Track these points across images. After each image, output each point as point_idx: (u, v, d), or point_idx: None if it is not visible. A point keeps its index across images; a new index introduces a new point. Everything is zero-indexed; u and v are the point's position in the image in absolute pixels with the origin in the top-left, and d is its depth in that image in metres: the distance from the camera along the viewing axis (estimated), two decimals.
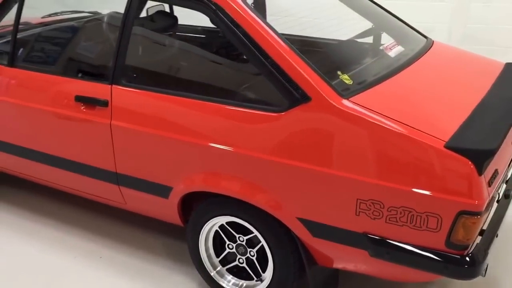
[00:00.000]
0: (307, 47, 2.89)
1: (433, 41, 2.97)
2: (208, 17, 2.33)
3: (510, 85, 2.55)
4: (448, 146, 1.92)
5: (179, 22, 3.03)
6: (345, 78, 2.23)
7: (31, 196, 3.53)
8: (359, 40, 2.99)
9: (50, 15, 3.51)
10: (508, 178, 2.51)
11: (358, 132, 2.03)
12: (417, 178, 1.96)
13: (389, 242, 2.07)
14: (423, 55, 2.71)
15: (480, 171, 1.90)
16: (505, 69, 2.77)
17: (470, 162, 1.89)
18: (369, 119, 2.02)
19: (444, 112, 2.19)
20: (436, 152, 1.93)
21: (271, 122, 2.18)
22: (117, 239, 3.06)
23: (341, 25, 3.12)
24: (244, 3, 2.29)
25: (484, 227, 2.16)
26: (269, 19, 3.20)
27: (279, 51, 2.17)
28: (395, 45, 2.65)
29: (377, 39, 2.99)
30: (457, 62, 2.82)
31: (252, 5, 3.05)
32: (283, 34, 2.57)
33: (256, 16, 2.26)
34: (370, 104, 2.09)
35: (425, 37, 3.02)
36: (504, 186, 2.48)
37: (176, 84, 2.60)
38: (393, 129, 1.99)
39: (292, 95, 2.14)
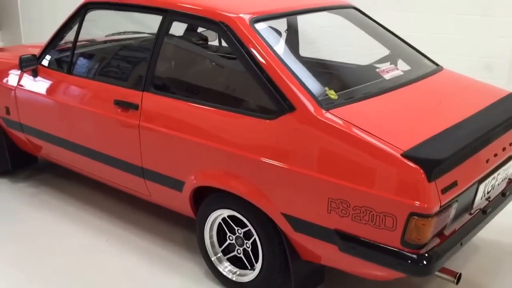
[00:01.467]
0: (322, 68, 3.25)
1: (442, 68, 3.22)
2: (219, 35, 2.73)
3: (498, 111, 2.75)
4: (404, 155, 2.19)
5: None
6: (331, 93, 2.54)
7: (73, 185, 4.09)
8: (377, 65, 3.29)
9: (113, 34, 4.06)
10: (490, 195, 2.70)
11: (331, 139, 2.34)
12: (376, 181, 2.23)
13: (354, 238, 2.34)
14: (422, 79, 2.98)
15: (429, 178, 2.14)
16: (504, 97, 2.96)
17: (421, 170, 2.15)
18: (341, 128, 2.33)
19: (415, 128, 2.44)
20: (393, 159, 2.20)
21: (264, 128, 2.54)
22: (144, 228, 3.50)
23: (364, 51, 3.45)
24: (251, 25, 2.68)
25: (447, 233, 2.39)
26: (301, 45, 3.62)
27: (274, 67, 2.53)
28: (393, 69, 2.93)
29: (393, 64, 3.27)
30: (456, 88, 3.04)
31: (286, 32, 3.48)
32: (304, 57, 2.96)
33: (259, 36, 2.64)
34: (346, 116, 2.39)
35: (436, 64, 3.27)
36: (486, 202, 2.68)
37: (192, 93, 3.01)
38: (360, 137, 2.28)
39: (281, 105, 2.48)
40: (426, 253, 2.25)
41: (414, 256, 2.23)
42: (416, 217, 2.16)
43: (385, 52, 3.35)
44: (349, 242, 2.36)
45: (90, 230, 3.49)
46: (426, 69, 3.14)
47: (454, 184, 2.28)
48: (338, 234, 2.38)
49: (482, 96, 2.94)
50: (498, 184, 2.73)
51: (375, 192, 2.23)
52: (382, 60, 3.28)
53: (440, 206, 2.20)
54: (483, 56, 6.19)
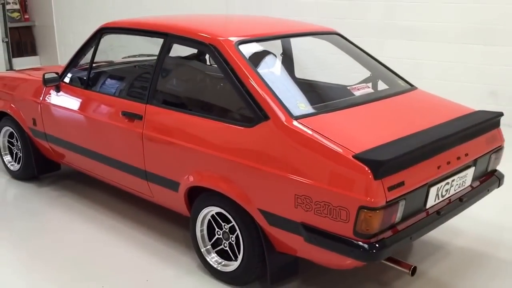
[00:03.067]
0: (303, 86, 3.64)
1: (415, 88, 3.57)
2: (209, 55, 3.17)
3: (456, 125, 3.07)
4: (355, 156, 2.56)
5: None
6: (301, 106, 2.95)
7: (91, 189, 4.57)
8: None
9: (129, 57, 4.57)
10: (451, 197, 3.03)
11: (297, 143, 2.73)
12: (333, 179, 2.60)
13: (316, 229, 2.70)
14: (391, 97, 3.35)
15: (375, 176, 2.50)
16: (468, 114, 3.29)
17: (368, 169, 2.51)
18: (306, 135, 2.72)
19: (372, 136, 2.81)
20: (346, 160, 2.57)
21: (244, 134, 2.94)
22: (150, 227, 3.93)
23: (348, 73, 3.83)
24: (235, 47, 3.11)
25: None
26: (296, 68, 4.03)
27: (252, 82, 2.95)
28: (364, 87, 3.31)
29: (374, 85, 3.64)
30: (422, 104, 3.40)
31: (282, 55, 3.91)
32: (296, 77, 3.34)
33: (242, 56, 3.06)
34: (312, 125, 2.79)
35: (411, 85, 3.63)
36: (443, 204, 3.01)
37: (187, 105, 3.45)
38: (320, 142, 2.66)
39: (258, 114, 2.89)
40: (375, 242, 2.59)
41: (365, 245, 2.57)
42: (365, 210, 2.50)
43: (366, 73, 3.73)
44: (312, 233, 2.71)
45: (101, 228, 3.92)
46: (399, 88, 3.51)
47: (400, 184, 2.62)
48: (303, 226, 2.73)
49: (446, 112, 3.27)
50: (455, 190, 3.06)
51: (331, 189, 2.59)
52: (364, 81, 3.64)
53: (386, 202, 2.54)
54: (488, 83, 6.43)
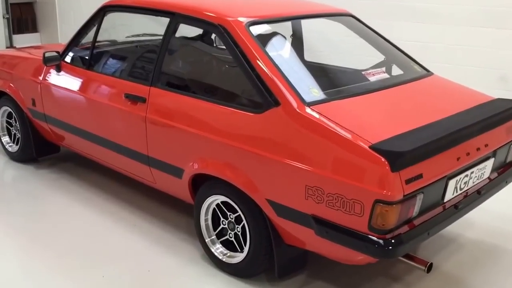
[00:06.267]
0: (315, 70, 3.50)
1: (431, 74, 3.42)
2: (218, 36, 3.01)
3: (476, 114, 2.93)
4: (372, 147, 2.41)
5: None
6: (314, 91, 2.79)
7: (90, 173, 4.43)
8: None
9: (133, 36, 4.40)
10: (467, 191, 2.89)
11: (310, 131, 2.58)
12: (347, 170, 2.46)
13: (327, 222, 2.56)
14: (409, 82, 3.19)
15: (393, 169, 2.35)
16: (487, 102, 3.14)
17: (385, 161, 2.37)
18: (319, 122, 2.57)
19: (389, 124, 2.66)
20: (362, 151, 2.43)
21: (253, 121, 2.79)
22: (152, 214, 3.80)
23: (361, 57, 3.67)
24: (246, 28, 2.95)
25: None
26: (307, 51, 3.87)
27: (263, 66, 2.79)
28: (380, 72, 3.15)
29: (388, 69, 3.48)
30: (440, 91, 3.25)
31: (291, 37, 3.75)
32: (308, 61, 3.19)
33: (253, 38, 2.90)
34: (325, 112, 2.63)
35: (427, 70, 3.47)
36: (461, 198, 2.87)
37: (193, 88, 3.29)
38: (334, 131, 2.52)
39: (268, 99, 2.74)
40: (391, 238, 2.45)
41: (380, 240, 2.43)
42: (381, 204, 2.37)
43: (380, 58, 3.57)
44: (323, 226, 2.58)
45: (100, 213, 3.80)
46: (415, 74, 3.36)
47: (419, 177, 2.48)
48: (314, 219, 2.60)
49: (464, 100, 3.13)
50: (474, 182, 2.92)
51: (345, 180, 2.45)
52: (377, 66, 3.49)
53: (404, 195, 2.40)
54: (497, 68, 6.28)
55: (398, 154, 2.37)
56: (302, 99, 2.69)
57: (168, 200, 3.84)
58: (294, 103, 2.67)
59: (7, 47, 8.20)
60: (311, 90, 2.80)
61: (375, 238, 2.44)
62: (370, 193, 2.39)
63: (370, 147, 2.42)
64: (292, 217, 2.71)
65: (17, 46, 8.20)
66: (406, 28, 6.39)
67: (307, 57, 3.76)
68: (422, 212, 2.61)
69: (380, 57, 3.58)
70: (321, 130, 2.55)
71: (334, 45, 4.00)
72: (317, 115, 2.61)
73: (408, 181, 2.43)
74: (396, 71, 3.48)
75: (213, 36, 3.91)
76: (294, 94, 2.71)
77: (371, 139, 2.46)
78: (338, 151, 2.49)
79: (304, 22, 3.57)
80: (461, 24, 6.09)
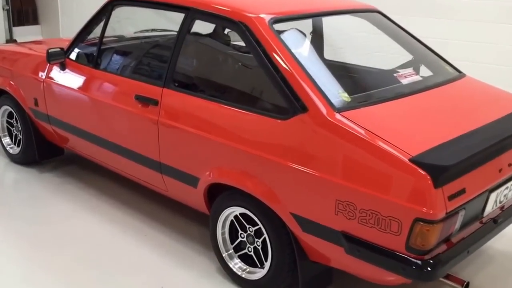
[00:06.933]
0: (341, 71, 3.27)
1: (464, 76, 3.19)
2: (238, 34, 2.78)
3: None
4: (412, 160, 2.19)
5: None
6: (344, 96, 2.56)
7: (97, 177, 4.19)
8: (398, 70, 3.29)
9: (142, 31, 4.15)
10: (503, 204, 2.68)
11: (340, 141, 2.36)
12: (383, 185, 2.24)
13: (360, 241, 2.35)
14: (442, 86, 2.96)
15: (436, 184, 2.14)
16: None
17: (427, 175, 2.14)
18: (351, 131, 2.34)
19: (427, 134, 2.43)
20: (400, 164, 2.20)
21: (277, 128, 2.56)
22: (161, 222, 3.57)
23: (387, 56, 3.44)
24: (269, 26, 2.71)
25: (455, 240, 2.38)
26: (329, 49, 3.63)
27: (288, 68, 2.56)
28: (412, 74, 2.92)
29: (416, 70, 3.25)
30: (475, 96, 3.02)
31: (311, 34, 3.51)
32: (326, 60, 2.96)
33: (277, 37, 2.67)
34: (358, 119, 2.40)
35: (459, 71, 3.24)
36: (498, 212, 2.66)
37: (210, 90, 3.05)
38: (369, 141, 2.29)
39: (294, 105, 2.51)
40: (430, 259, 2.24)
41: (418, 261, 2.22)
42: (421, 223, 2.16)
43: (408, 57, 3.34)
44: (354, 244, 2.37)
45: (108, 221, 3.57)
46: (447, 76, 3.13)
47: (462, 192, 2.27)
48: (344, 236, 2.39)
49: (501, 105, 2.90)
50: None
51: (381, 196, 2.23)
52: (404, 65, 3.26)
53: (446, 213, 2.19)
54: None
55: (442, 168, 2.16)
56: (331, 105, 2.46)
57: (180, 208, 3.60)
58: (323, 109, 2.44)
59: (7, 40, 7.95)
60: (340, 94, 2.57)
61: (413, 259, 2.23)
62: (409, 211, 2.17)
63: (410, 159, 2.19)
64: (320, 233, 2.49)
65: (17, 39, 7.98)
66: (423, 24, 6.16)
67: (328, 56, 3.53)
68: (460, 228, 2.39)
69: (407, 56, 3.36)
70: (353, 140, 2.33)
71: (357, 43, 3.78)
72: (348, 123, 2.38)
73: (451, 197, 2.21)
74: (424, 71, 3.26)
75: (226, 31, 3.69)
76: (323, 99, 2.48)
77: (410, 150, 2.24)
78: (373, 164, 2.27)
79: (325, 19, 3.33)
80: (482, 19, 5.87)
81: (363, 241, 2.34)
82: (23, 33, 8.22)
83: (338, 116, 2.42)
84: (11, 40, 8.04)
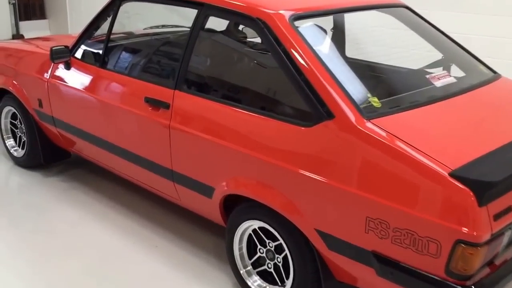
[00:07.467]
0: (367, 71, 3.03)
1: (500, 76, 2.94)
2: (256, 32, 2.55)
3: None
4: (453, 174, 1.96)
5: None
6: (374, 101, 2.32)
7: (105, 182, 3.96)
8: (427, 69, 3.04)
9: (151, 27, 3.92)
10: None
11: (372, 152, 2.13)
12: (420, 202, 2.01)
13: (394, 262, 2.13)
14: (478, 88, 2.72)
15: (480, 202, 1.91)
16: None
17: (471, 192, 1.92)
18: (384, 141, 2.11)
19: (466, 144, 2.20)
20: (440, 179, 1.97)
21: (299, 135, 2.33)
22: (173, 232, 3.34)
23: (415, 54, 3.20)
24: (290, 23, 2.48)
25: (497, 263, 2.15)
26: (347, 45, 3.39)
27: (312, 69, 2.32)
28: (446, 76, 2.67)
29: (446, 69, 3.02)
30: None
31: (332, 30, 3.27)
32: (350, 58, 2.72)
33: (299, 35, 2.43)
34: (390, 127, 2.17)
35: (494, 71, 2.99)
36: None
37: (226, 93, 2.83)
38: (404, 152, 2.05)
39: (319, 111, 2.28)
40: (473, 284, 2.01)
41: (459, 287, 2.00)
42: (463, 245, 1.93)
43: (437, 56, 3.10)
44: (387, 266, 2.15)
45: (117, 230, 3.35)
46: (482, 77, 2.87)
47: (508, 210, 2.04)
48: (375, 257, 2.17)
49: None
50: None
51: (418, 214, 2.00)
52: (434, 65, 3.03)
53: (492, 235, 1.96)
54: None
55: (488, 185, 1.92)
56: (360, 111, 2.22)
57: (193, 216, 3.35)
58: (352, 116, 2.21)
59: (13, 35, 7.75)
60: (370, 99, 2.33)
61: (453, 284, 2.00)
62: (450, 232, 1.94)
63: (450, 174, 1.96)
64: (348, 252, 2.26)
65: (24, 34, 7.78)
66: (445, 19, 5.88)
67: (351, 54, 3.28)
68: (504, 249, 2.16)
69: (437, 55, 3.12)
70: (387, 151, 2.09)
71: (382, 41, 3.53)
72: (381, 132, 2.14)
73: (496, 217, 1.98)
74: (455, 71, 3.02)
75: (240, 27, 3.45)
76: (350, 104, 2.24)
77: (450, 163, 2.00)
78: (409, 178, 2.03)
79: (352, 16, 3.09)
80: (507, 14, 5.62)
81: (397, 263, 2.11)
82: (30, 27, 8.00)
83: (368, 124, 2.18)
84: (17, 35, 7.84)
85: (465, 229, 1.91)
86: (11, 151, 4.20)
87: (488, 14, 5.83)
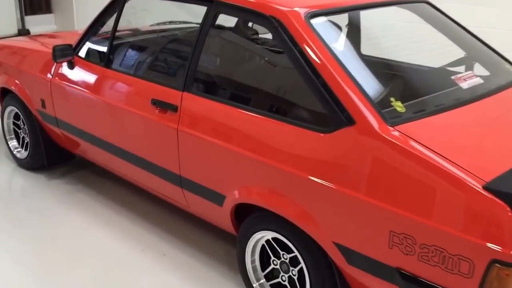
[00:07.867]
0: (387, 71, 2.86)
1: None
2: (270, 31, 2.38)
3: None
4: (487, 187, 1.79)
5: None
6: (398, 105, 2.15)
7: (111, 184, 3.82)
8: (450, 68, 2.87)
9: (158, 24, 3.75)
10: None
11: (397, 161, 1.96)
12: (450, 217, 1.85)
13: (421, 281, 1.97)
14: (506, 89, 2.54)
15: None
16: None
17: (508, 207, 1.75)
18: (411, 150, 1.94)
19: (498, 152, 2.04)
20: (473, 192, 1.81)
21: (317, 142, 2.17)
22: (182, 239, 3.19)
23: (436, 52, 3.03)
24: (306, 21, 2.31)
25: None
26: (364, 43, 3.22)
27: (331, 71, 2.16)
28: (472, 76, 2.50)
29: (469, 68, 2.85)
30: None
31: (347, 27, 3.09)
32: (367, 56, 2.58)
33: (316, 34, 2.27)
34: (416, 135, 2.01)
35: None
36: None
37: (237, 96, 2.67)
38: (434, 163, 1.89)
39: (338, 116, 2.12)
40: None
41: None
42: (498, 265, 1.76)
43: (460, 53, 2.92)
44: (413, 284, 1.98)
45: (123, 237, 3.21)
46: (508, 77, 2.70)
47: None
48: (400, 274, 2.01)
49: None
50: None
51: (448, 230, 1.84)
52: (456, 63, 2.86)
53: None
54: None
55: None
56: (383, 117, 2.06)
57: (202, 223, 3.19)
58: (374, 123, 2.04)
59: (19, 30, 7.61)
60: (393, 103, 2.16)
61: None
62: (484, 250, 1.78)
63: (484, 187, 1.80)
64: (369, 268, 2.10)
65: (30, 29, 7.65)
66: (458, 11, 5.70)
67: (374, 53, 3.11)
68: None
69: (459, 53, 2.94)
70: (415, 161, 1.92)
71: (401, 38, 3.36)
72: (407, 140, 1.98)
73: None
74: (479, 70, 2.84)
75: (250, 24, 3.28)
76: (373, 109, 2.07)
77: (483, 175, 1.84)
78: (438, 191, 1.87)
79: (369, 12, 2.91)
80: None
81: (424, 281, 1.96)
82: (36, 22, 7.88)
83: (393, 131, 2.02)
84: (23, 29, 7.70)
85: (500, 248, 1.75)
86: (14, 152, 4.06)
87: (503, 8, 5.65)
